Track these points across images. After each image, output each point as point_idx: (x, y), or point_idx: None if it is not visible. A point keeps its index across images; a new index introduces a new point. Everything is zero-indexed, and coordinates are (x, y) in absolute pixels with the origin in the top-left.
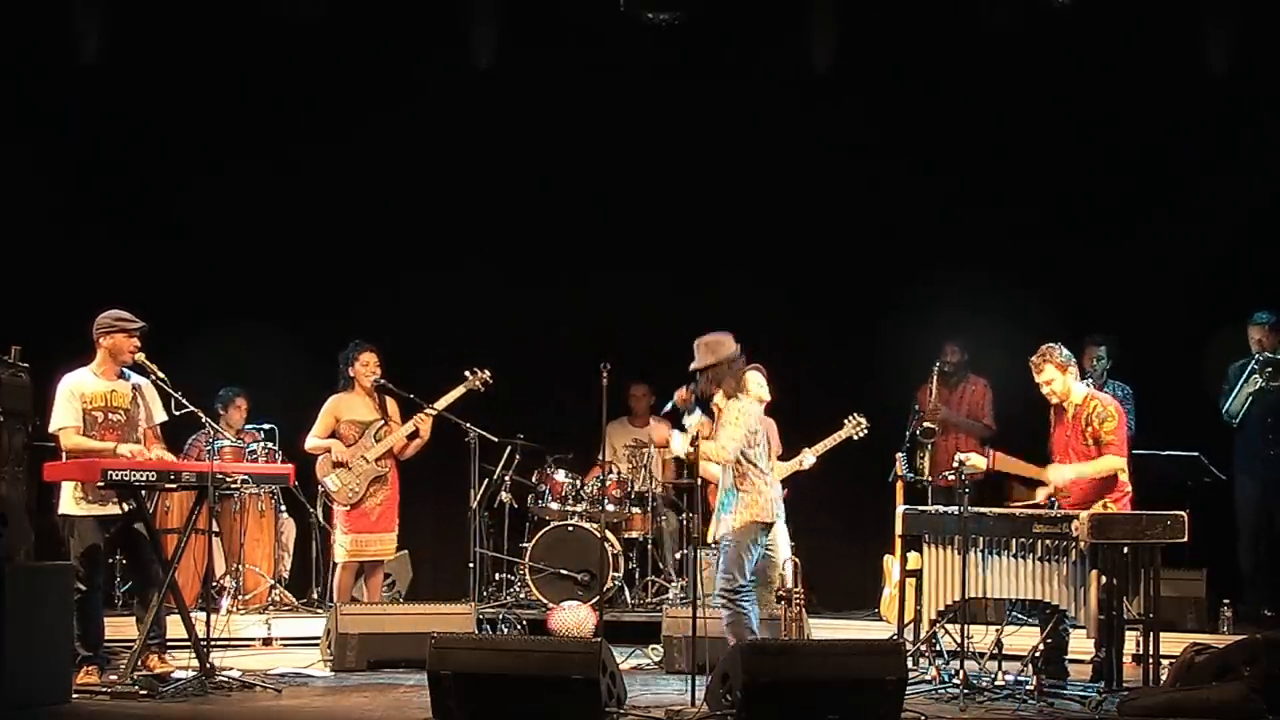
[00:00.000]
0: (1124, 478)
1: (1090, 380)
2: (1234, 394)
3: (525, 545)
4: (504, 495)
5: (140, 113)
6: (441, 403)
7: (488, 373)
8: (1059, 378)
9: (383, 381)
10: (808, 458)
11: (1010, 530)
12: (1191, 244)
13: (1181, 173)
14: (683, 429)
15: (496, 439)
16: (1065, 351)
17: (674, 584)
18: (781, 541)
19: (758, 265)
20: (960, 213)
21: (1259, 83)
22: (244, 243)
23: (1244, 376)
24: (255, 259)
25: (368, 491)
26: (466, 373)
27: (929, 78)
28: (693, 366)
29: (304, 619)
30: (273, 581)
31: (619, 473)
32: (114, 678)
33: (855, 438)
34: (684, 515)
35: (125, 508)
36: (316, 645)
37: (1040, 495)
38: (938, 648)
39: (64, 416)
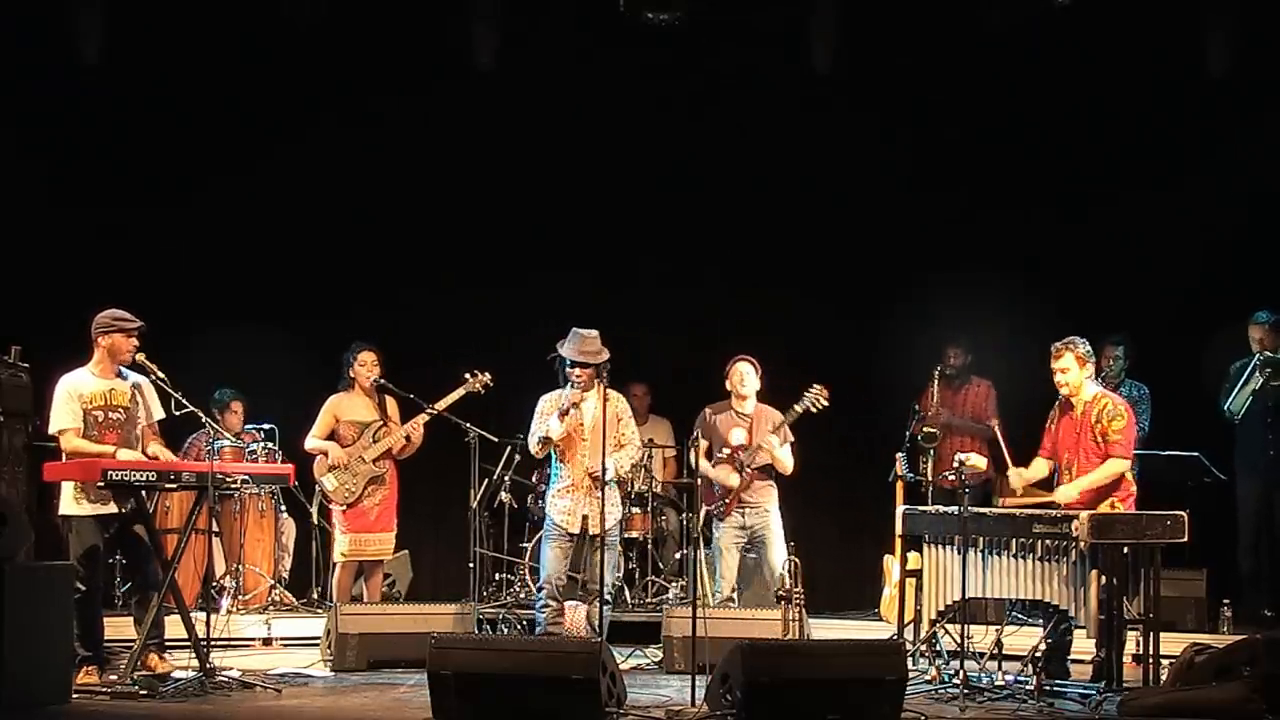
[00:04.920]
0: (1130, 476)
1: (1104, 379)
2: (1235, 392)
3: (525, 545)
4: (504, 495)
5: (140, 113)
6: (442, 404)
7: (488, 375)
8: (1075, 369)
9: (382, 381)
10: (770, 439)
11: (1010, 530)
12: (1192, 244)
13: (1181, 173)
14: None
15: (496, 439)
16: (1088, 347)
17: (674, 584)
18: (776, 542)
19: (758, 266)
20: (961, 214)
21: (1259, 83)
22: (244, 243)
23: (1245, 376)
24: (255, 259)
25: (365, 492)
26: (467, 375)
27: (929, 78)
28: (604, 357)
29: (304, 619)
30: (273, 581)
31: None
32: (114, 678)
33: (814, 409)
34: (684, 515)
35: (125, 508)
36: (316, 645)
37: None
38: (938, 648)
39: (63, 419)
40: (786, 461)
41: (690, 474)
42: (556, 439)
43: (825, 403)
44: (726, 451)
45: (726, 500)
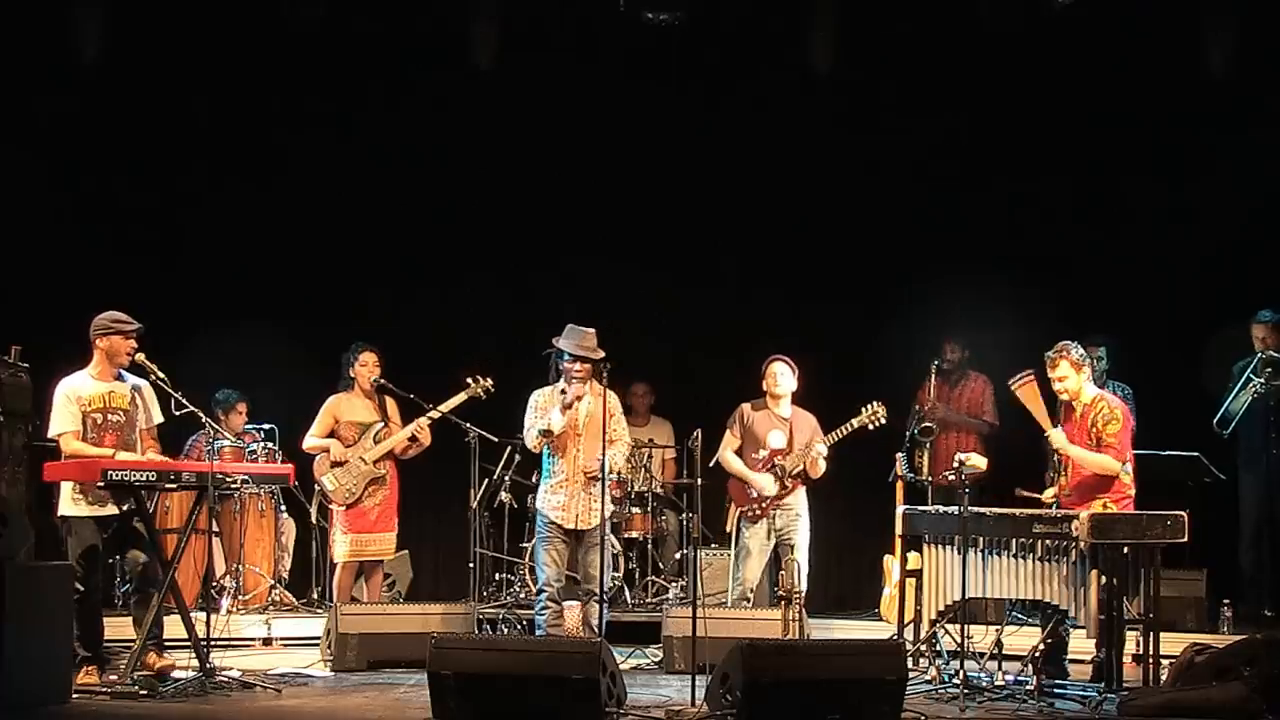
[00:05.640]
0: (1127, 480)
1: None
2: (1232, 396)
3: (525, 545)
4: (504, 495)
5: (140, 114)
6: (443, 407)
7: (489, 381)
8: (1072, 375)
9: (383, 382)
10: (819, 446)
11: (1010, 530)
12: (1192, 243)
13: (1181, 172)
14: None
15: (496, 439)
16: (1081, 350)
17: (674, 584)
18: (801, 546)
19: (758, 264)
20: (961, 212)
21: (1259, 83)
22: (244, 243)
23: (1244, 377)
24: (256, 260)
25: (365, 492)
26: (469, 379)
27: (929, 78)
28: (601, 355)
29: (304, 619)
30: (273, 581)
31: (619, 473)
32: (114, 678)
33: (871, 427)
34: (684, 515)
35: (124, 508)
36: (316, 645)
37: (1047, 495)
38: (938, 648)
39: (63, 422)
40: (822, 467)
41: (691, 473)
42: (557, 432)
43: (883, 420)
44: (764, 454)
45: (763, 505)
